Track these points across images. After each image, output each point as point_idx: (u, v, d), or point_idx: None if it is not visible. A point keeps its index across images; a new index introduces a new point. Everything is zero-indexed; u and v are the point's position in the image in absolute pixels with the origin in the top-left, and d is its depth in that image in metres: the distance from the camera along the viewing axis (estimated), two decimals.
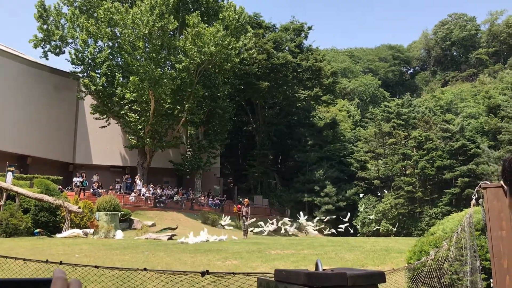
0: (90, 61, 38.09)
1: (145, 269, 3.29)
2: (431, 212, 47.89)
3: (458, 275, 5.37)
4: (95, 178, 37.61)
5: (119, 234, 22.68)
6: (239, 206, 34.09)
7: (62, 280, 0.84)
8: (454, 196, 47.70)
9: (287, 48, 57.60)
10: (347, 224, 41.05)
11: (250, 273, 2.65)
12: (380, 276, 1.43)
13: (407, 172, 52.11)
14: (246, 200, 26.52)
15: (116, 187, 38.30)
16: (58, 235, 20.98)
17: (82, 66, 38.70)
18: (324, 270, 1.55)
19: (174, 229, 27.71)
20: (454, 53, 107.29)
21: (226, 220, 34.71)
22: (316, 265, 1.59)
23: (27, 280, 0.87)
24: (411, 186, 48.98)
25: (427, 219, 47.38)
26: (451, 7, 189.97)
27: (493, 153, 49.49)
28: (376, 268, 11.83)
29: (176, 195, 40.46)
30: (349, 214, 43.10)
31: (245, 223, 24.46)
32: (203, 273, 2.70)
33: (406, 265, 4.96)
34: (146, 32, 34.25)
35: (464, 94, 77.18)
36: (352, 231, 43.64)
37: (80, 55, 37.82)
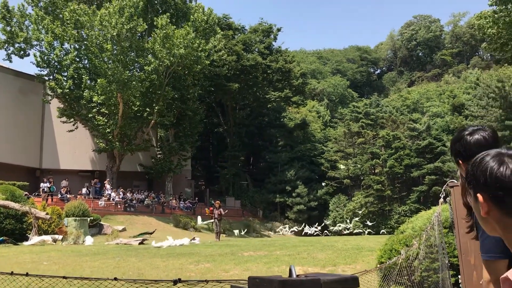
0: (56, 63, 37.20)
1: (115, 279, 3.23)
2: (400, 210, 48.81)
3: (428, 273, 5.49)
4: (64, 183, 36.76)
5: (89, 240, 22.23)
6: (211, 208, 33.90)
7: None
8: (422, 194, 48.76)
9: (256, 49, 57.74)
10: (317, 229, 41.64)
11: (223, 280, 2.64)
12: (354, 281, 1.44)
13: (376, 171, 52.98)
14: (217, 202, 26.37)
15: (84, 192, 37.52)
16: (25, 243, 20.41)
17: (48, 69, 37.74)
18: (298, 275, 1.55)
19: (151, 233, 27.35)
20: (420, 54, 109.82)
21: (199, 220, 34.48)
22: (290, 271, 1.59)
23: None
24: (380, 185, 49.81)
25: (396, 216, 48.26)
26: (416, 9, 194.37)
27: None
28: (348, 267, 11.98)
29: (146, 199, 39.97)
30: (317, 224, 43.70)
31: (218, 225, 24.35)
32: (175, 282, 2.67)
33: (379, 265, 5.03)
34: (114, 34, 33.70)
35: (429, 93, 79.04)
36: (319, 233, 44.05)
37: (45, 57, 36.87)
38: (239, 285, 1.62)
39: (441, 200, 5.32)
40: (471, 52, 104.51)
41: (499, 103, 48.30)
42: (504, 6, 29.87)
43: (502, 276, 1.35)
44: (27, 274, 4.50)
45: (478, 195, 1.40)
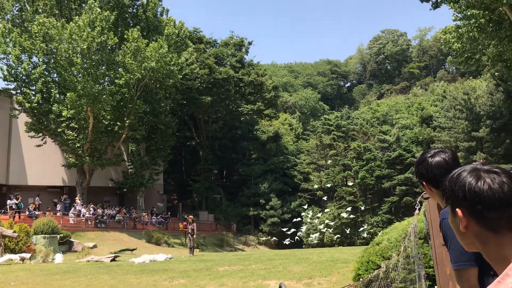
0: (24, 77, 36.39)
1: None
2: (372, 221, 49.33)
3: (405, 283, 5.55)
4: (36, 200, 35.86)
5: (59, 257, 21.64)
6: (184, 223, 33.50)
7: None
8: (393, 205, 49.44)
9: (228, 63, 57.92)
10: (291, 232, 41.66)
11: None
12: None
13: (348, 183, 53.50)
14: (190, 216, 26.07)
15: (59, 208, 36.60)
16: None
17: (15, 83, 36.89)
18: None
19: (132, 250, 26.77)
20: (388, 67, 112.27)
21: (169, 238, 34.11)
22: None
23: None
24: (353, 196, 50.31)
25: (368, 227, 48.74)
26: (384, 24, 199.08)
27: None
28: (324, 279, 12.00)
29: (118, 215, 39.25)
30: (293, 229, 43.67)
31: (191, 241, 24.06)
32: None
33: (361, 279, 5.05)
34: (84, 47, 33.25)
35: (398, 106, 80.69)
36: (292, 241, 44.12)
37: (13, 71, 36.03)
38: None
39: (416, 211, 5.41)
40: (438, 65, 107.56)
41: (465, 115, 49.65)
42: (467, 22, 30.87)
43: (489, 287, 1.37)
44: None
45: (457, 210, 1.43)
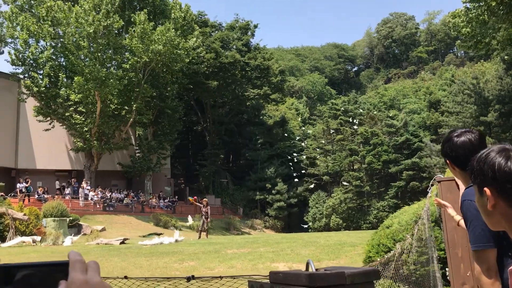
0: (31, 61, 36.45)
1: (125, 277, 3.20)
2: (378, 205, 49.46)
3: (416, 266, 5.60)
4: (57, 183, 36.77)
5: (68, 240, 21.91)
6: (195, 197, 33.49)
7: (80, 262, 0.82)
8: (399, 189, 49.50)
9: (234, 46, 57.60)
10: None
11: (237, 276, 2.64)
12: (375, 273, 1.48)
13: (354, 167, 53.54)
14: (205, 199, 26.13)
15: (68, 192, 36.98)
16: (2, 244, 20.01)
17: (23, 67, 36.99)
18: (317, 270, 1.57)
19: (159, 234, 26.82)
20: (396, 51, 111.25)
21: (189, 220, 34.65)
22: (308, 265, 1.62)
23: (42, 264, 0.83)
24: (359, 181, 50.38)
25: (375, 212, 48.91)
26: (392, 7, 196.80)
27: (435, 146, 51.72)
28: (332, 262, 12.10)
29: (126, 198, 39.58)
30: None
31: (205, 224, 24.24)
32: (188, 278, 2.66)
33: (378, 259, 5.10)
34: (91, 31, 33.20)
35: (406, 90, 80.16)
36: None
37: (20, 55, 36.11)
38: (258, 281, 1.63)
39: (429, 195, 5.43)
40: (446, 49, 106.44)
41: (473, 99, 49.32)
42: (477, 4, 30.48)
43: (510, 268, 1.40)
44: None
45: (485, 189, 1.46)
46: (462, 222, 2.99)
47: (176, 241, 20.80)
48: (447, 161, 2.46)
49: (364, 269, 1.52)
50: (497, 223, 1.50)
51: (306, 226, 50.69)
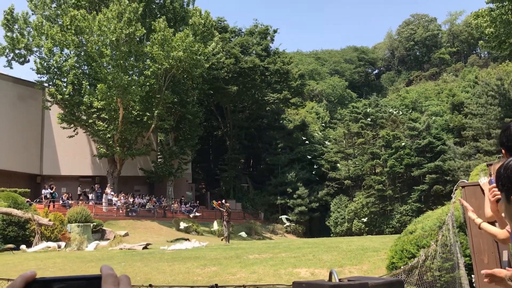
0: (56, 69, 37.26)
1: (150, 286, 3.24)
2: (401, 210, 48.81)
3: (440, 272, 5.51)
4: (79, 190, 37.58)
5: (92, 245, 22.23)
6: (219, 202, 33.63)
7: (112, 276, 0.84)
8: (423, 193, 48.78)
9: (254, 51, 57.76)
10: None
11: (261, 285, 2.64)
12: (399, 284, 1.47)
13: (376, 171, 53.00)
14: (227, 204, 26.25)
15: (91, 197, 37.59)
16: (28, 250, 20.40)
17: (47, 75, 37.82)
18: (340, 280, 1.57)
19: (186, 239, 27.01)
20: (417, 53, 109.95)
21: (215, 225, 34.87)
22: (331, 275, 1.62)
23: (76, 277, 0.86)
24: (381, 185, 49.84)
25: (398, 216, 48.28)
26: (413, 8, 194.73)
27: (458, 149, 50.90)
28: (355, 268, 11.99)
29: (148, 203, 39.96)
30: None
31: (227, 228, 24.32)
32: (212, 287, 2.68)
33: (402, 267, 5.04)
34: (113, 39, 33.77)
35: (428, 92, 79.12)
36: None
37: (45, 63, 36.96)
38: None
39: (453, 200, 5.35)
40: (469, 50, 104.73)
41: (498, 101, 48.41)
42: (500, 4, 29.96)
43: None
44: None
45: None
46: (484, 225, 2.95)
47: (202, 246, 20.88)
48: (503, 151, 2.42)
49: (388, 279, 1.51)
50: None
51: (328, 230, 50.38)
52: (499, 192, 2.71)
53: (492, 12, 31.50)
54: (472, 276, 5.03)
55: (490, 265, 4.85)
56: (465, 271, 5.22)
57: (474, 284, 5.07)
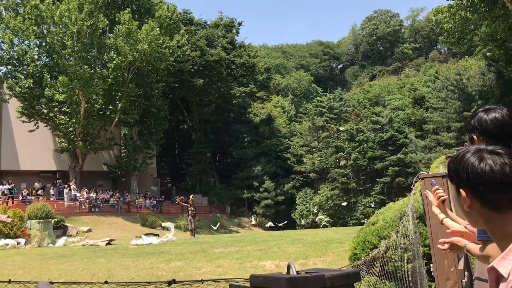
0: (15, 61, 35.98)
1: (106, 282, 3.16)
2: (365, 202, 49.77)
3: (401, 262, 5.64)
4: (36, 184, 36.27)
5: (54, 242, 21.68)
6: (182, 197, 33.36)
7: None
8: (385, 185, 49.85)
9: (219, 44, 57.47)
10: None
11: (220, 280, 2.62)
12: (356, 275, 1.47)
13: (341, 164, 53.79)
14: (191, 198, 26.03)
15: (53, 193, 36.55)
16: None
17: (6, 67, 36.48)
18: (297, 272, 1.56)
19: (156, 235, 26.43)
20: (380, 48, 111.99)
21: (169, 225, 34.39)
22: (289, 267, 1.61)
23: None
24: (345, 178, 50.64)
25: (361, 208, 49.21)
26: (377, 3, 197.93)
27: (419, 142, 52.22)
28: (319, 259, 12.14)
29: (111, 199, 39.26)
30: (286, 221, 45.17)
31: (192, 222, 24.17)
32: (169, 282, 2.64)
33: (364, 258, 5.12)
34: (75, 30, 32.87)
35: (390, 87, 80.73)
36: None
37: (4, 54, 35.61)
38: (239, 285, 1.62)
39: (413, 191, 5.47)
40: (430, 46, 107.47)
41: (457, 95, 49.87)
42: (459, 1, 30.83)
43: (488, 266, 1.41)
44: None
45: (461, 190, 1.47)
46: (446, 221, 3.00)
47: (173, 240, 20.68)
48: (474, 137, 2.40)
49: (345, 271, 1.51)
50: (475, 222, 1.51)
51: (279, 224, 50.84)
52: (443, 194, 2.80)
53: (451, 9, 32.38)
54: (431, 265, 5.16)
55: (447, 254, 4.99)
56: (423, 260, 5.37)
57: (432, 273, 5.21)
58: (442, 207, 2.75)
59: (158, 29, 36.99)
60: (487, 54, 41.47)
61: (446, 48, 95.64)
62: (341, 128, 54.19)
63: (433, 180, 2.88)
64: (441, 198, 2.68)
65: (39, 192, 35.35)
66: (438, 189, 2.73)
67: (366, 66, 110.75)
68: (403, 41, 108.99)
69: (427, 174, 5.20)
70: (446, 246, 2.61)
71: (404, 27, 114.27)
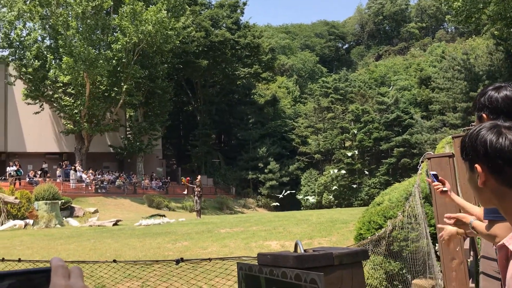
0: (18, 43, 35.87)
1: (114, 261, 3.19)
2: (370, 183, 49.84)
3: (406, 242, 5.67)
4: (44, 166, 36.56)
5: (61, 222, 21.92)
6: (188, 178, 33.53)
7: (62, 268, 0.82)
8: (390, 166, 49.83)
9: (224, 25, 57.01)
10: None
11: (226, 258, 2.63)
12: (364, 253, 1.47)
13: (346, 145, 53.74)
14: (198, 179, 26.09)
15: (59, 174, 36.83)
16: None
17: (10, 49, 36.39)
18: (305, 250, 1.56)
19: (162, 215, 26.61)
20: (387, 28, 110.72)
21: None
22: (296, 246, 1.61)
23: (23, 271, 0.81)
24: (350, 159, 50.62)
25: (366, 189, 49.31)
26: None
27: (425, 123, 51.98)
28: (324, 239, 12.21)
29: (117, 180, 39.52)
30: (284, 191, 45.44)
31: (198, 203, 24.33)
32: (177, 261, 2.65)
33: (369, 237, 5.15)
34: (80, 11, 32.65)
35: (396, 67, 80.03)
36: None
37: (7, 37, 35.48)
38: (247, 263, 1.62)
39: (419, 171, 5.46)
40: (437, 25, 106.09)
41: (464, 75, 49.42)
42: None
43: (499, 244, 1.41)
44: (2, 260, 4.39)
45: (477, 165, 1.46)
46: (454, 196, 3.02)
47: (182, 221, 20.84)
48: (483, 115, 2.38)
49: (353, 249, 1.51)
50: (487, 200, 1.50)
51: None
52: (441, 186, 2.82)
53: None
54: (436, 244, 5.17)
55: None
56: (430, 240, 5.39)
57: (437, 253, 5.23)
58: (448, 197, 2.80)
59: (165, 12, 36.69)
60: (495, 33, 40.93)
61: (453, 27, 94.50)
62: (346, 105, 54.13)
63: (431, 172, 2.89)
64: (440, 189, 2.76)
65: (47, 174, 35.60)
66: (436, 184, 2.79)
67: (372, 46, 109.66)
68: (409, 20, 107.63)
69: (434, 154, 5.18)
70: (452, 221, 2.63)
71: (411, 6, 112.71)
